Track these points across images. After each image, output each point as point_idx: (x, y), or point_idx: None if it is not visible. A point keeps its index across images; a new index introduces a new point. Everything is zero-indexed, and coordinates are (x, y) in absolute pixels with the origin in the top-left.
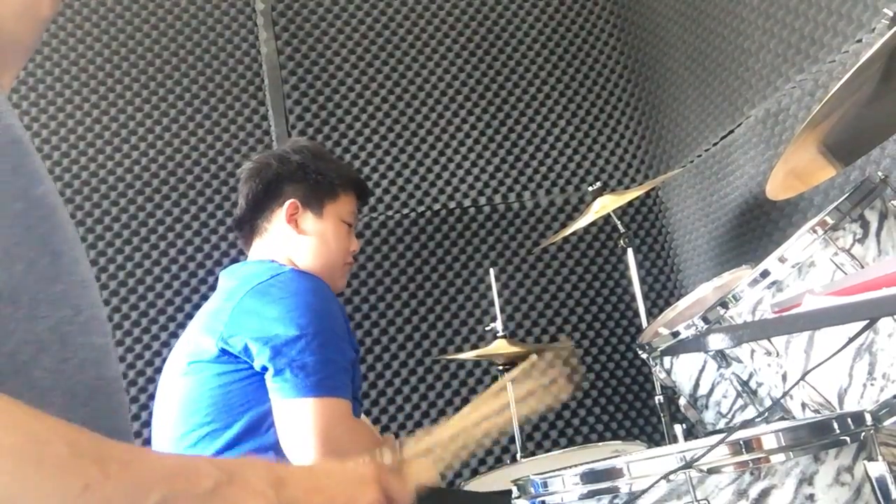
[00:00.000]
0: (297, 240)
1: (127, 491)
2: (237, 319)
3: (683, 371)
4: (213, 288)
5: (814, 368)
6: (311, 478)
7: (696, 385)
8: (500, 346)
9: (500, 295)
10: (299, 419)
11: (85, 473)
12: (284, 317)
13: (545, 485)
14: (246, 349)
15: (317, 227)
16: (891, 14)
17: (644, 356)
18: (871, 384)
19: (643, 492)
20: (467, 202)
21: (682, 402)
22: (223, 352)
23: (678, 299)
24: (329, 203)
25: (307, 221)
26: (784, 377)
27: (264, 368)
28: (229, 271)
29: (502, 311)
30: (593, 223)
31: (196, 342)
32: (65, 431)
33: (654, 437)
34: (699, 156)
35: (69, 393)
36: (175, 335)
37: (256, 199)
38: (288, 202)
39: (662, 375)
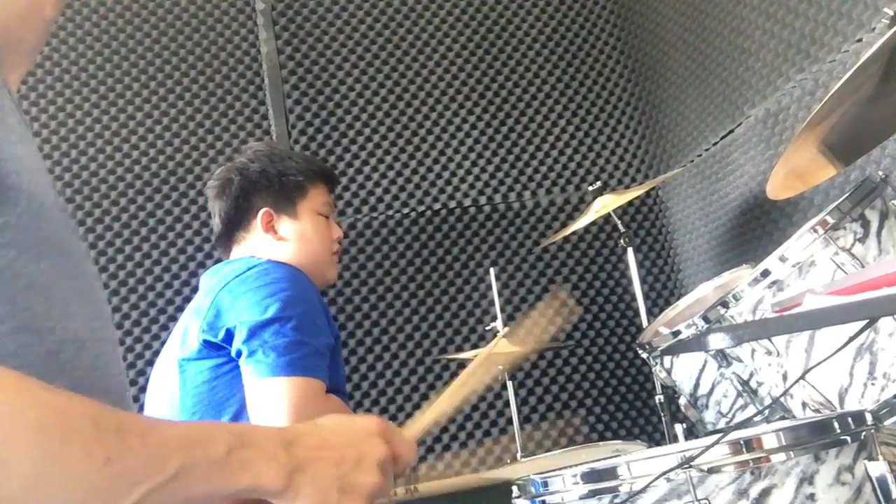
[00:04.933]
0: (277, 245)
1: (147, 462)
2: (217, 311)
3: (684, 371)
4: None
5: (813, 367)
6: (318, 436)
7: (697, 385)
8: (501, 346)
9: (500, 295)
10: (271, 398)
11: (107, 446)
12: (260, 303)
13: (545, 484)
14: (228, 336)
15: (295, 229)
16: (891, 13)
17: (644, 356)
18: (872, 384)
19: (643, 491)
20: (467, 202)
21: (683, 401)
22: (206, 344)
23: (678, 299)
24: (300, 201)
25: (284, 226)
26: (785, 377)
27: (239, 353)
28: (210, 271)
29: (502, 311)
30: (593, 223)
31: (180, 341)
32: (85, 406)
33: (655, 436)
34: (699, 155)
35: (104, 391)
36: None
37: (229, 217)
38: (261, 212)
39: (663, 375)
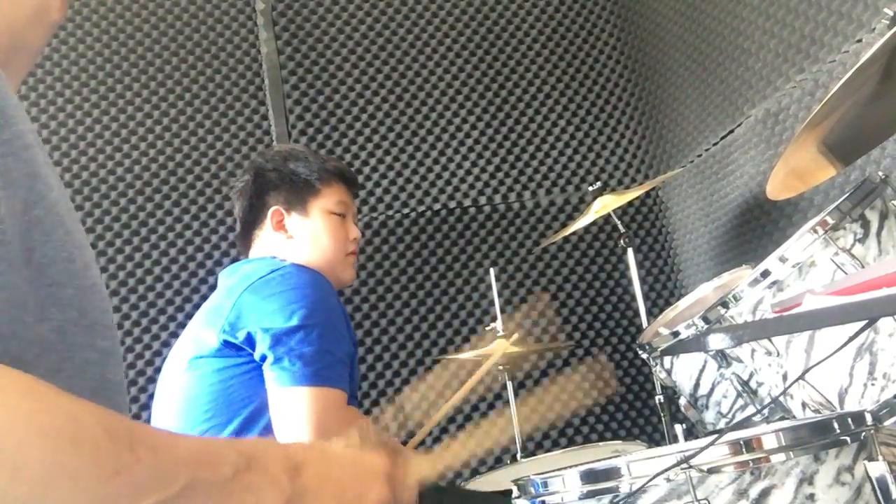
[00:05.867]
0: (289, 244)
1: (155, 476)
2: (239, 313)
3: (684, 371)
4: (213, 288)
5: (812, 367)
6: (325, 466)
7: (697, 385)
8: (501, 346)
9: (500, 295)
10: (294, 407)
11: (117, 457)
12: (285, 308)
13: (545, 484)
14: (248, 339)
15: (305, 227)
16: (891, 14)
17: (644, 356)
18: (872, 384)
19: (643, 491)
20: (467, 202)
21: (683, 401)
22: (225, 344)
23: (678, 299)
24: (312, 200)
25: (294, 224)
26: (784, 377)
27: (263, 357)
28: (229, 270)
29: (502, 311)
30: (593, 223)
31: (197, 339)
32: (100, 414)
33: (655, 437)
34: (699, 156)
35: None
36: (175, 335)
37: (246, 218)
38: (271, 210)
39: (662, 375)
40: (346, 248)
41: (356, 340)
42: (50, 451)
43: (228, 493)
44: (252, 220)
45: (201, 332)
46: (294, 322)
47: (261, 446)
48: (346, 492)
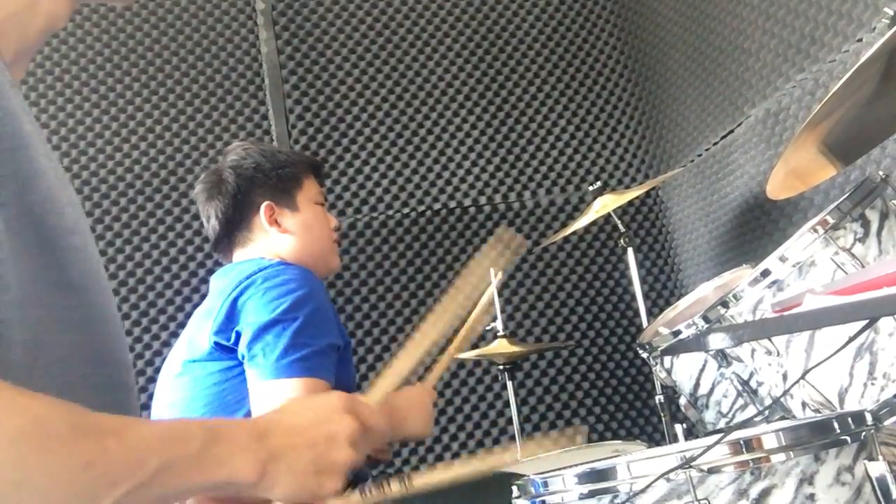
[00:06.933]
0: (283, 239)
1: (126, 463)
2: (228, 314)
3: (684, 370)
4: None
5: (813, 368)
6: (288, 422)
7: (697, 385)
8: (501, 346)
9: (500, 295)
10: (274, 400)
11: (85, 450)
12: (266, 305)
13: (545, 484)
14: (237, 339)
15: (297, 220)
16: (891, 13)
17: (644, 356)
18: (872, 384)
19: (643, 491)
20: (467, 202)
21: (683, 401)
22: (217, 346)
23: (678, 299)
24: (297, 192)
25: (286, 218)
26: (785, 376)
27: (243, 355)
28: (220, 272)
29: (502, 311)
30: (593, 223)
31: (191, 342)
32: (63, 409)
33: (655, 437)
34: (699, 155)
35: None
36: (175, 335)
37: (228, 217)
38: (263, 206)
39: (663, 375)
40: (332, 237)
41: (349, 341)
42: (18, 454)
43: (201, 466)
44: (237, 219)
45: (195, 335)
46: (273, 316)
47: (225, 421)
48: (316, 436)
